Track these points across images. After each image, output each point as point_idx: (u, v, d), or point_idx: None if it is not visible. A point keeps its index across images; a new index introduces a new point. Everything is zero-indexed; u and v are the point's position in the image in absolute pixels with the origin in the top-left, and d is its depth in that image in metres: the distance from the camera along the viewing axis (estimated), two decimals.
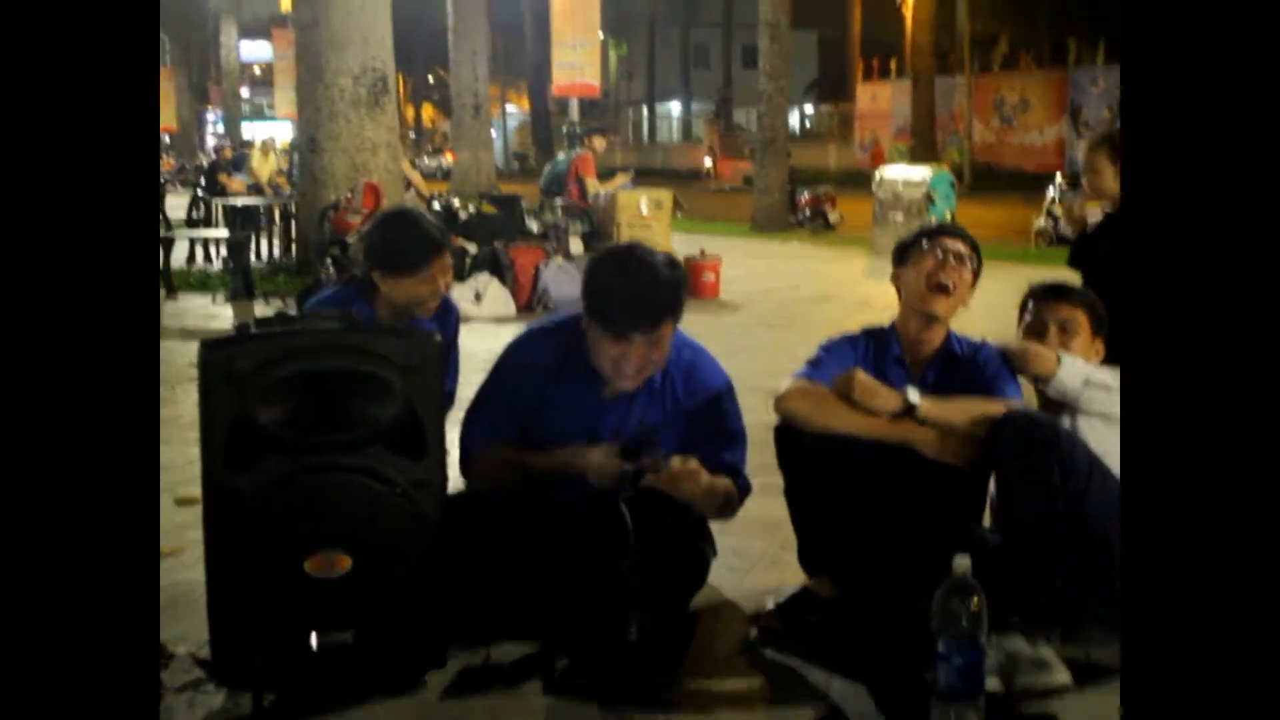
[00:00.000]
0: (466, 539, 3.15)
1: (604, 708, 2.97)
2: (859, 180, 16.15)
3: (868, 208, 16.92)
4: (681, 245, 12.10)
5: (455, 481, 3.44)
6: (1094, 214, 5.14)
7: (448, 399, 3.79)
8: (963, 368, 3.51)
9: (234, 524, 2.88)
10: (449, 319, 4.17)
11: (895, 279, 3.64)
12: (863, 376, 3.36)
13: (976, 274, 3.58)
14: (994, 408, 3.27)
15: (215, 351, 2.87)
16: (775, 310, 9.70)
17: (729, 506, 3.51)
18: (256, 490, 2.86)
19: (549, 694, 3.07)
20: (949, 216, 14.90)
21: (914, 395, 3.30)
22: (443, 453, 3.06)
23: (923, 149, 30.49)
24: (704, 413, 3.49)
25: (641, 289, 3.24)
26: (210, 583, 2.94)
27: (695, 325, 3.84)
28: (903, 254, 3.60)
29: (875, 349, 3.59)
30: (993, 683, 2.93)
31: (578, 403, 3.41)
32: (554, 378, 3.43)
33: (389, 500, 2.93)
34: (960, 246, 3.53)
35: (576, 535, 3.32)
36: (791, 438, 3.41)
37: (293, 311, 3.49)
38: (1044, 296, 3.56)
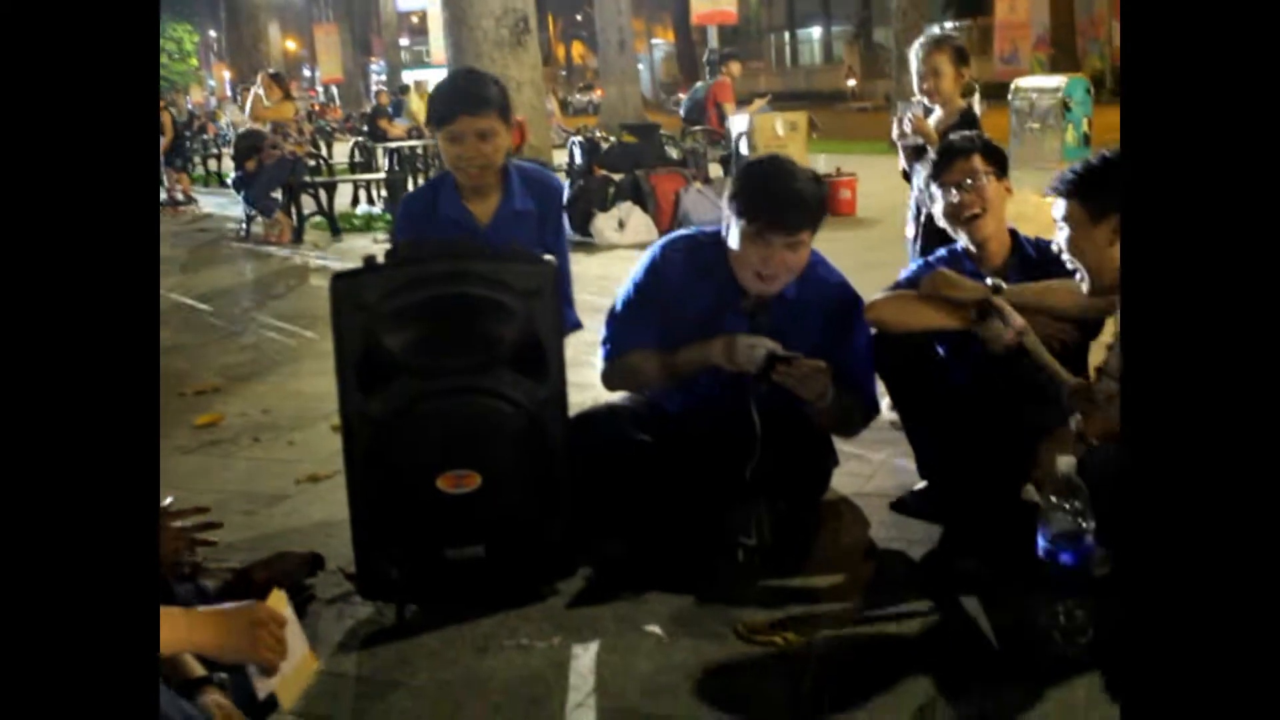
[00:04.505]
0: (596, 452, 3.25)
1: (727, 608, 3.03)
2: (999, 92, 15.70)
3: (1006, 120, 16.54)
4: (819, 164, 11.98)
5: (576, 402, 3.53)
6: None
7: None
8: (1040, 267, 3.48)
9: (369, 446, 3.00)
10: (549, 196, 3.84)
11: None
12: (946, 271, 3.41)
13: (1002, 165, 3.59)
14: (1073, 285, 3.18)
15: (344, 283, 2.99)
16: None
17: (849, 422, 3.56)
18: (388, 413, 2.98)
19: (675, 597, 3.14)
20: (1086, 123, 14.63)
21: (994, 282, 3.35)
22: (563, 372, 3.12)
23: (1063, 57, 29.58)
24: (835, 331, 3.50)
25: (786, 193, 3.29)
26: (352, 502, 3.06)
27: (830, 240, 3.87)
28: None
29: (954, 267, 3.57)
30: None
31: (714, 312, 3.45)
32: (693, 286, 3.47)
33: (514, 419, 3.02)
34: (971, 163, 3.55)
35: (704, 440, 3.41)
36: (886, 346, 3.45)
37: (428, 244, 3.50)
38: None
